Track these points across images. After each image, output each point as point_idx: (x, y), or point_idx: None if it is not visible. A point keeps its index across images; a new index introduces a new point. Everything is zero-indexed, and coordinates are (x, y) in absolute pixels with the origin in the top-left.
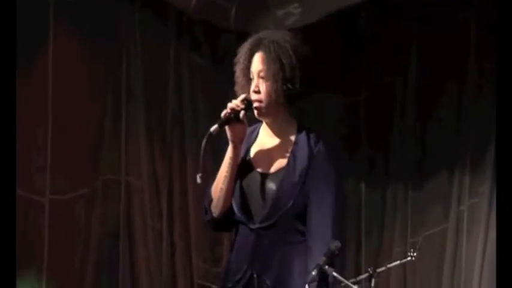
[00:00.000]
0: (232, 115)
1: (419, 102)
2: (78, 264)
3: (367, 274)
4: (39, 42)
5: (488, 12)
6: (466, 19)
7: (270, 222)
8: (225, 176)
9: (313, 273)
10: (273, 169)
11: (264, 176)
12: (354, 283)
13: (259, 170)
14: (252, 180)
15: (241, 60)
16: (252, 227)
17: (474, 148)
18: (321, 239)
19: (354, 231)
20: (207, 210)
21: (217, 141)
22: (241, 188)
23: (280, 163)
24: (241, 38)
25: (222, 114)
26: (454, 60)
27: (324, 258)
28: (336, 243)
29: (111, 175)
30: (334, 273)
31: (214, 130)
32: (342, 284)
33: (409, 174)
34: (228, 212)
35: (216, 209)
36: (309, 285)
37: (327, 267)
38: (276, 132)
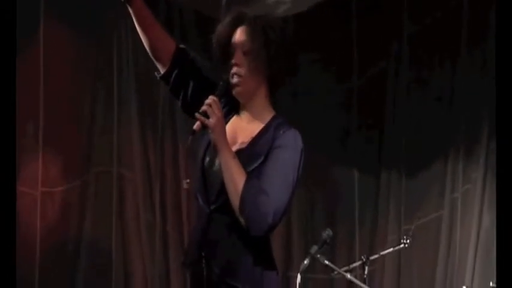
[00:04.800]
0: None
1: (411, 89)
2: (71, 256)
3: (360, 262)
4: (30, 31)
5: None
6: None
7: (219, 203)
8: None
9: (305, 262)
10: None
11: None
12: (347, 271)
13: None
14: (212, 161)
15: (222, 32)
16: (206, 210)
17: (467, 134)
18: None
19: (347, 218)
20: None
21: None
22: (203, 168)
23: (240, 145)
24: None
25: (203, 108)
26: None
27: (315, 247)
28: (328, 232)
29: (103, 167)
30: (327, 262)
31: (197, 127)
32: (335, 272)
33: (402, 161)
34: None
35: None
36: (301, 274)
37: (318, 256)
38: (250, 116)
